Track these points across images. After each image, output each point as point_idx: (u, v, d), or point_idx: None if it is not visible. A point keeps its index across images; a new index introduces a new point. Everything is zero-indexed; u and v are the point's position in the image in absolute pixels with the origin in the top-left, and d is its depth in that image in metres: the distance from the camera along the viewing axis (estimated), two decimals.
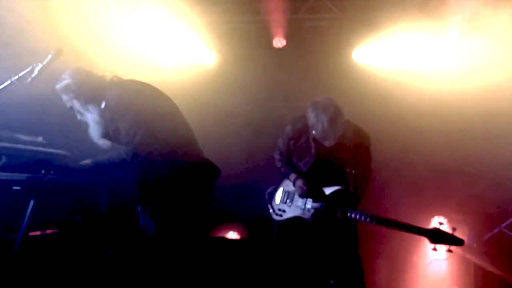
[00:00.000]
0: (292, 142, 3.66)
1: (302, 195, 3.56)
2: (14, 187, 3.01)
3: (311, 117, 3.43)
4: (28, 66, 2.74)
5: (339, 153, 3.51)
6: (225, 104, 6.20)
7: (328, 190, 3.50)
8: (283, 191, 3.75)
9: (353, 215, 3.33)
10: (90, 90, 2.84)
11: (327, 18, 6.17)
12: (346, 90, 5.39)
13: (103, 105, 2.83)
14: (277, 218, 3.69)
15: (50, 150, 3.49)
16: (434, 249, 3.11)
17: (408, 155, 5.45)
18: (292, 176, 3.63)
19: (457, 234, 3.09)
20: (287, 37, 6.15)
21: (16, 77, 2.82)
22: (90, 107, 2.85)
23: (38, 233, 3.93)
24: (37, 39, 4.03)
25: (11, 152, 3.16)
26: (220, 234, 6.11)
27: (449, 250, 3.09)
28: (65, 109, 3.09)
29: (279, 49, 6.25)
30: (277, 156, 3.78)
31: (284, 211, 3.65)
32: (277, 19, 5.85)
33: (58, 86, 2.90)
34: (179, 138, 2.76)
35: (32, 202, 3.13)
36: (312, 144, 3.56)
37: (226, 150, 5.77)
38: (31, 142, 3.34)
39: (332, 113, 3.35)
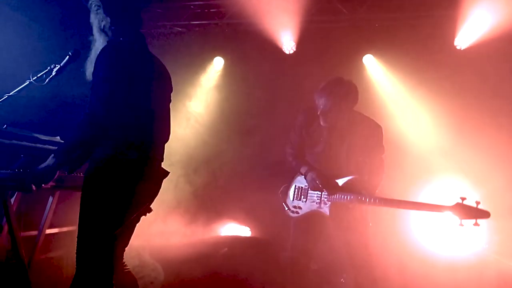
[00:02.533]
0: (304, 130, 3.67)
1: (315, 188, 3.57)
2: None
3: (317, 97, 3.50)
4: (46, 67, 2.83)
5: (349, 138, 3.51)
6: (233, 105, 6.30)
7: (341, 181, 3.49)
8: (295, 188, 3.73)
9: (372, 200, 3.30)
10: (113, 23, 2.50)
11: (337, 20, 6.22)
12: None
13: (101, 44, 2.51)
14: (294, 215, 3.66)
15: None
16: (461, 224, 3.05)
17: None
18: (303, 168, 3.61)
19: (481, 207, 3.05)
20: (297, 39, 6.19)
21: (34, 77, 2.92)
22: (101, 38, 2.53)
23: (56, 230, 4.06)
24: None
25: (30, 151, 3.26)
26: (234, 233, 6.19)
27: (477, 224, 3.04)
28: (82, 109, 3.14)
29: (288, 51, 6.30)
30: (289, 150, 3.78)
31: (299, 207, 3.63)
32: (286, 21, 5.89)
33: None
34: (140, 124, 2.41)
35: (51, 199, 3.21)
36: (324, 129, 3.57)
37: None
38: (49, 142, 3.42)
39: (336, 95, 3.42)
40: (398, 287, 4.07)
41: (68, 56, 2.78)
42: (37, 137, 3.41)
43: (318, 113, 3.49)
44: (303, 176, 3.68)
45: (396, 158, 5.45)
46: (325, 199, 3.51)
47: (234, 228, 6.26)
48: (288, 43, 6.23)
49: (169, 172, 2.59)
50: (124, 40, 2.49)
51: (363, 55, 6.33)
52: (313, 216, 3.57)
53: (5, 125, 3.20)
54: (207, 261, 4.79)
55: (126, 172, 2.30)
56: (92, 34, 2.58)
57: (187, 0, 6.19)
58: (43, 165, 2.30)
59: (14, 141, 3.11)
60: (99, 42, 2.51)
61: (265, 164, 4.04)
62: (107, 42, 2.49)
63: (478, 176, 5.23)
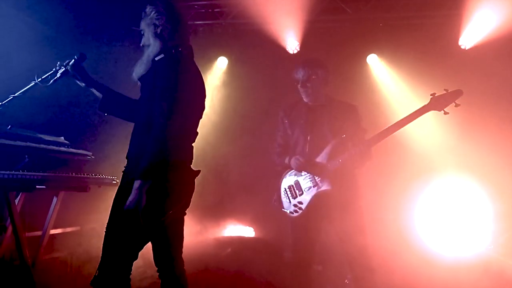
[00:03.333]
0: (286, 120, 3.76)
1: (301, 167, 3.57)
2: (38, 186, 3.08)
3: (295, 72, 3.64)
4: (51, 69, 2.84)
5: (328, 117, 3.59)
6: (238, 105, 6.29)
7: (323, 154, 3.54)
8: (285, 191, 3.71)
9: (361, 147, 3.42)
10: (171, 29, 2.62)
11: (341, 19, 6.23)
12: (359, 93, 5.41)
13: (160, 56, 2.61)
14: (299, 213, 3.61)
15: (71, 150, 3.59)
16: (446, 112, 3.35)
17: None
18: (287, 158, 3.66)
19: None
20: (300, 39, 6.18)
21: (39, 79, 2.93)
22: (157, 43, 2.63)
23: (59, 230, 4.07)
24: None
25: (34, 152, 3.26)
26: (237, 233, 6.19)
27: (457, 104, 3.34)
28: (85, 110, 3.16)
29: (292, 51, 6.29)
30: (275, 150, 3.83)
31: (300, 202, 3.60)
32: (290, 21, 5.88)
33: (154, 3, 2.68)
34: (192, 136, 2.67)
35: (55, 200, 3.22)
36: (304, 108, 3.69)
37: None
38: (54, 142, 3.43)
39: (307, 60, 3.64)
40: (398, 279, 4.10)
41: (73, 59, 2.78)
42: (41, 138, 3.41)
43: (299, 85, 3.62)
44: (287, 174, 3.72)
45: (401, 157, 5.46)
46: (319, 179, 3.53)
47: (238, 229, 6.27)
48: (292, 42, 6.22)
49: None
50: (184, 51, 2.62)
51: (367, 55, 6.32)
52: (318, 202, 3.54)
53: (9, 126, 3.21)
54: (211, 261, 4.81)
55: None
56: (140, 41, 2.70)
57: (191, 0, 6.19)
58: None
59: (18, 142, 3.12)
60: (153, 47, 2.61)
61: (269, 165, 4.02)
62: (167, 48, 2.59)
63: (484, 176, 5.23)
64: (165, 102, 2.36)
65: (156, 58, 2.56)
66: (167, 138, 2.32)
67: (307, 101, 3.68)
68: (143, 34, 2.68)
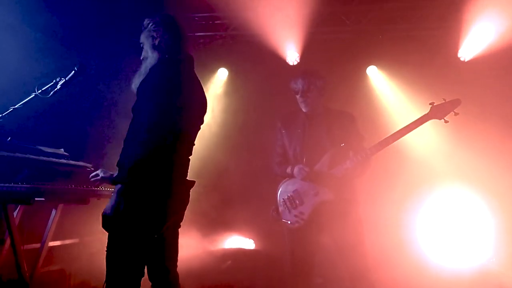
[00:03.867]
0: (283, 131, 3.78)
1: (306, 177, 3.55)
2: (37, 198, 3.06)
3: (293, 82, 3.69)
4: (51, 80, 2.85)
5: (327, 126, 3.61)
6: (238, 116, 6.29)
7: (318, 166, 3.54)
8: (283, 202, 3.67)
9: (362, 154, 3.45)
10: (168, 41, 2.62)
11: (341, 31, 6.24)
12: (359, 104, 5.41)
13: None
14: (300, 223, 3.57)
15: (71, 162, 3.58)
16: (446, 121, 3.42)
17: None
18: (289, 168, 3.65)
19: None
20: (300, 51, 6.20)
21: (40, 90, 2.94)
22: (155, 55, 2.62)
23: (58, 243, 4.04)
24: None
25: (33, 164, 3.25)
26: (237, 245, 6.16)
27: (456, 113, 3.43)
28: (85, 122, 3.16)
29: (292, 62, 6.30)
30: (275, 159, 3.83)
31: (301, 213, 3.58)
32: (290, 33, 5.90)
33: (153, 16, 2.71)
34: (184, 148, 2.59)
35: (54, 212, 3.20)
36: (302, 117, 3.71)
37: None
38: (53, 154, 3.42)
39: (306, 71, 3.70)
40: None
41: (73, 71, 2.80)
42: (41, 150, 3.40)
43: (298, 95, 3.66)
44: (284, 184, 3.71)
45: (400, 165, 5.45)
46: (320, 188, 3.52)
47: (238, 241, 6.23)
48: (292, 54, 6.22)
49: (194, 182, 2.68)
50: (177, 58, 2.61)
51: (367, 67, 6.34)
52: (319, 212, 3.52)
53: (9, 138, 3.20)
54: (211, 273, 4.77)
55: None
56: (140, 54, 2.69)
57: (192, 12, 6.21)
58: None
59: (18, 154, 3.11)
60: (151, 59, 2.60)
61: (269, 177, 4.01)
62: (162, 58, 2.58)
63: (484, 186, 5.22)
64: (148, 107, 2.36)
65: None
66: (148, 141, 2.30)
67: (305, 110, 3.70)
68: (143, 47, 2.69)
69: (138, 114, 2.39)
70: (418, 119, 3.45)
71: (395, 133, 3.46)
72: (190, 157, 2.69)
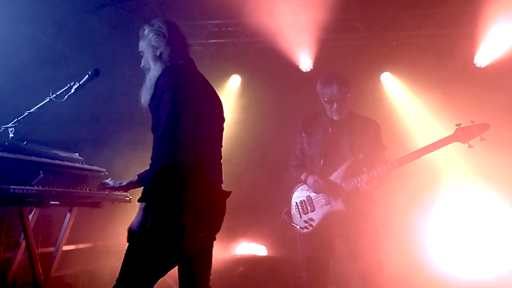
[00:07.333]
0: (304, 134, 3.71)
1: (319, 190, 3.50)
2: (52, 202, 3.08)
3: (320, 87, 3.60)
4: (66, 85, 2.87)
5: (349, 133, 3.54)
6: (250, 122, 6.29)
7: (339, 172, 3.48)
8: (296, 205, 3.66)
9: (378, 170, 3.36)
10: (171, 50, 2.53)
11: (354, 38, 6.23)
12: (373, 111, 5.34)
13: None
14: (307, 230, 3.57)
15: (86, 166, 3.60)
16: (470, 146, 3.29)
17: None
18: (303, 175, 3.59)
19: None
20: (314, 57, 6.19)
21: (54, 95, 2.97)
22: (157, 66, 2.52)
23: (72, 247, 4.06)
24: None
25: (48, 167, 3.27)
26: (250, 252, 6.12)
27: (483, 138, 3.29)
28: (100, 126, 3.18)
29: (305, 69, 6.29)
30: (292, 162, 3.78)
31: (311, 219, 3.56)
32: (303, 39, 5.90)
33: (151, 23, 2.61)
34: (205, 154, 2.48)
35: (68, 215, 3.21)
36: (325, 122, 3.63)
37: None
38: (68, 158, 3.44)
39: (340, 78, 3.57)
40: None
41: (87, 75, 2.81)
42: (56, 154, 3.42)
43: (326, 99, 3.57)
44: (299, 188, 3.68)
45: (417, 175, 5.37)
46: (332, 198, 3.47)
47: (250, 247, 6.20)
48: (305, 61, 6.22)
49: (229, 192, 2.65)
50: (179, 63, 2.53)
51: (381, 73, 6.31)
52: (330, 220, 3.49)
53: (25, 141, 3.23)
54: (223, 280, 4.74)
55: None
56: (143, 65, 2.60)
57: (204, 19, 6.25)
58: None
59: (33, 158, 3.13)
60: (154, 70, 2.51)
61: (282, 184, 4.00)
62: (165, 67, 2.50)
63: (501, 191, 5.13)
64: (166, 123, 2.27)
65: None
66: (170, 160, 2.22)
67: (336, 118, 3.62)
68: (142, 55, 2.60)
69: (158, 132, 2.32)
70: (440, 140, 3.34)
71: (417, 150, 3.38)
72: (221, 161, 2.63)
